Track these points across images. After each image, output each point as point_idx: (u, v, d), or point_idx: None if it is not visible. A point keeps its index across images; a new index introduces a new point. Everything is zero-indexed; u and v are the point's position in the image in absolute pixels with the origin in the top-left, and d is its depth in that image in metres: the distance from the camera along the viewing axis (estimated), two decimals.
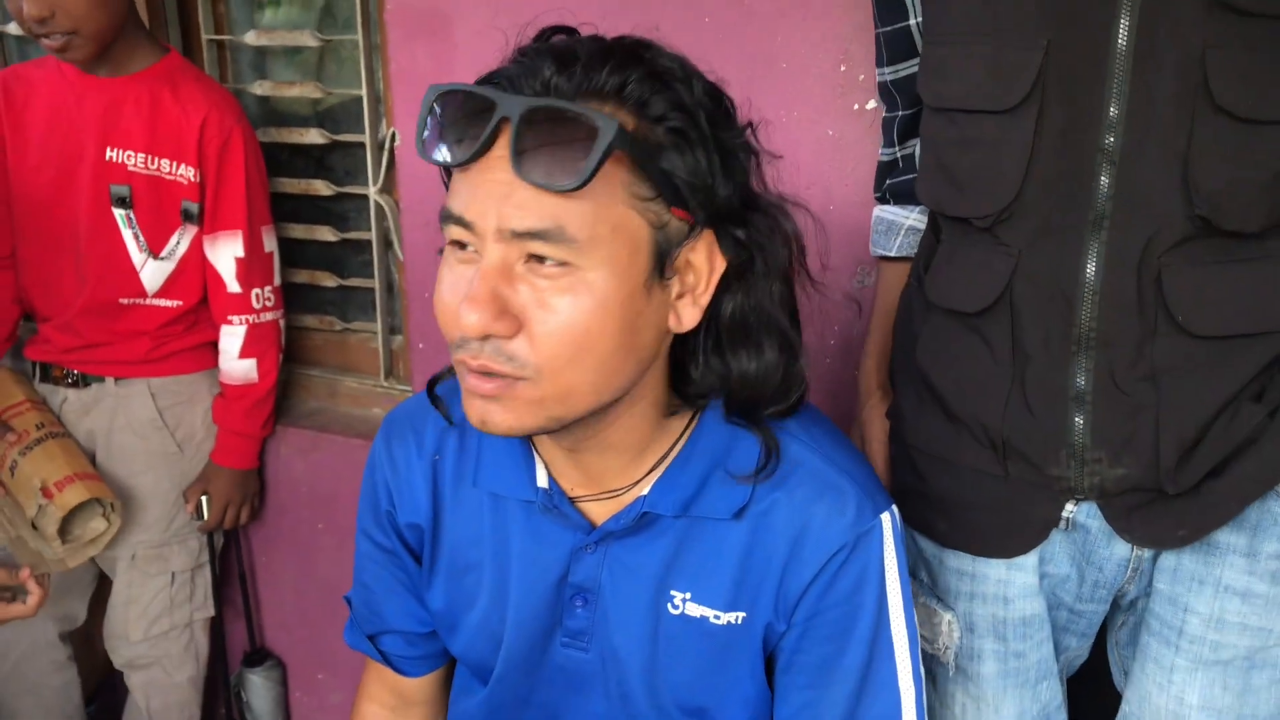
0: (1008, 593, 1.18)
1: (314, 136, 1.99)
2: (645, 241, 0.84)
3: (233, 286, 1.87)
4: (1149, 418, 1.05)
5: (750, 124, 0.90)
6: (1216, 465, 1.06)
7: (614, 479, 0.99)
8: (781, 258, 0.93)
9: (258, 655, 2.18)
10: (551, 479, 1.01)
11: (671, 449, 0.99)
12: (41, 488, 1.78)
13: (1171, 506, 1.08)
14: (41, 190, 1.82)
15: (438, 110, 0.83)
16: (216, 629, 2.09)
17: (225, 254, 1.86)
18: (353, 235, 2.04)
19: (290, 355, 2.12)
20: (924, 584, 1.27)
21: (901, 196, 1.34)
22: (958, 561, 1.21)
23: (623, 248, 0.83)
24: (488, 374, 0.84)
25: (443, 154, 0.83)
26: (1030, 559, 1.17)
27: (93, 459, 1.92)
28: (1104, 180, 1.01)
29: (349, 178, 2.05)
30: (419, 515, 1.10)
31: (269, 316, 1.92)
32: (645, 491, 0.98)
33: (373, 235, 2.00)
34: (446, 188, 0.91)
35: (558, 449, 0.98)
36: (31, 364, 1.98)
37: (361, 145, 1.97)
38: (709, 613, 0.99)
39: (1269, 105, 0.96)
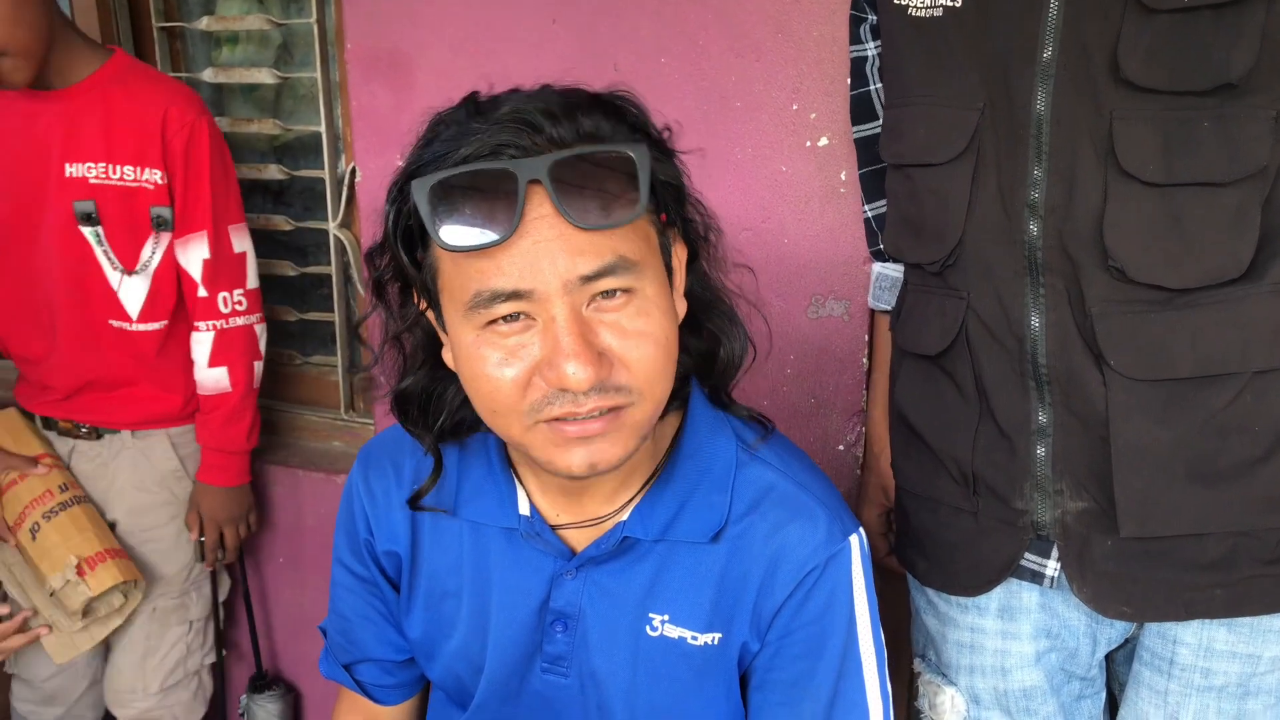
0: (1005, 663, 1.23)
1: (273, 172, 2.00)
2: (658, 247, 0.91)
3: (201, 291, 1.76)
4: (1105, 452, 1.10)
5: (668, 127, 0.97)
6: (1174, 536, 1.10)
7: (599, 506, 1.03)
8: (709, 240, 1.02)
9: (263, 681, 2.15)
10: (533, 507, 1.04)
11: (651, 477, 1.03)
12: (76, 565, 1.71)
13: (1125, 575, 1.13)
14: (6, 223, 1.75)
15: (439, 199, 0.83)
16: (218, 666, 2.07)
17: (194, 257, 1.75)
18: (312, 270, 2.05)
19: None
20: (930, 663, 1.32)
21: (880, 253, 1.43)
22: (957, 634, 1.26)
23: (655, 257, 0.90)
24: (597, 411, 0.86)
25: (473, 238, 0.83)
26: (1025, 627, 1.22)
27: (113, 518, 1.87)
28: (1033, 230, 1.10)
29: (307, 213, 2.07)
30: (397, 544, 1.12)
31: (240, 322, 1.80)
32: (625, 518, 1.02)
33: (333, 270, 2.01)
34: (418, 265, 0.90)
35: (555, 479, 1.01)
36: (29, 415, 1.90)
37: (319, 181, 1.99)
38: (687, 634, 1.03)
39: (1173, 172, 1.03)
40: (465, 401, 1.02)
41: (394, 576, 1.15)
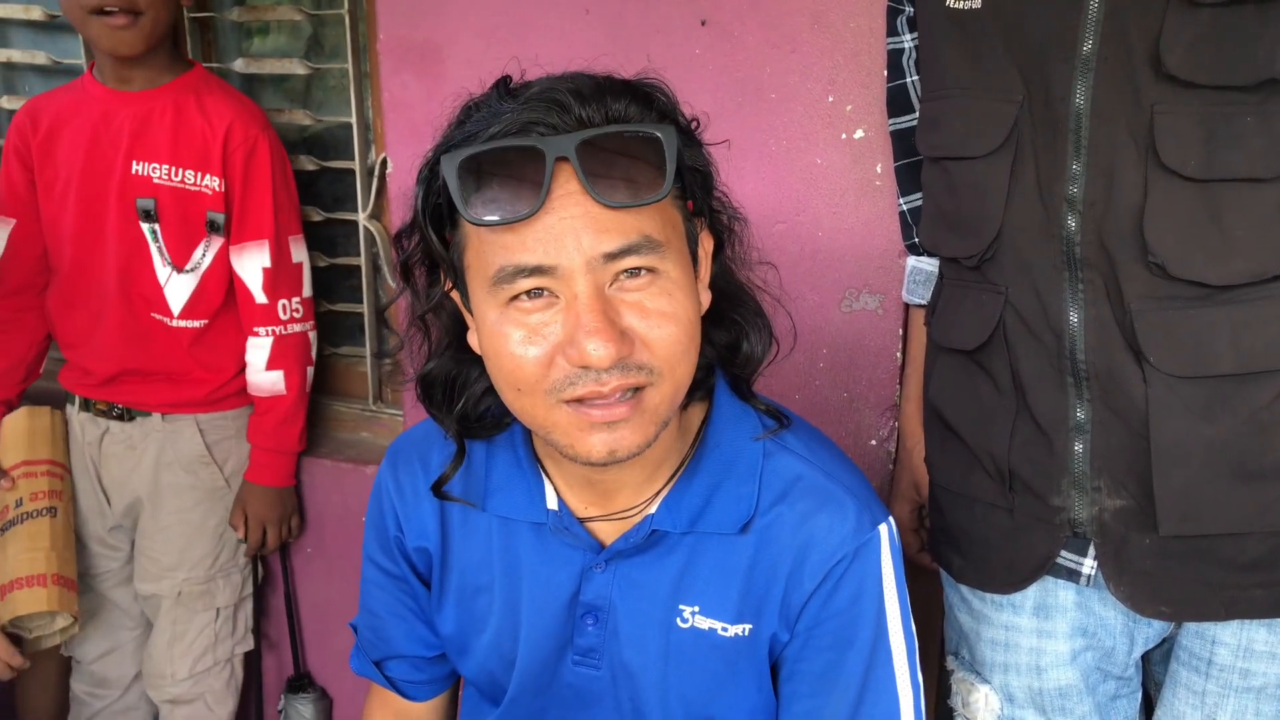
0: (1040, 662, 1.22)
1: (303, 163, 2.00)
2: (684, 233, 0.92)
3: (260, 298, 1.84)
4: (1144, 449, 1.09)
5: (695, 119, 0.97)
6: (1210, 535, 1.09)
7: (627, 499, 1.03)
8: (734, 231, 1.03)
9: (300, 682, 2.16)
10: (561, 501, 1.04)
11: (678, 469, 1.03)
12: None
13: (1163, 574, 1.11)
14: (71, 212, 1.82)
15: (468, 175, 0.84)
16: (253, 658, 2.08)
17: (252, 265, 1.83)
18: (341, 261, 2.05)
19: None
20: (964, 660, 1.32)
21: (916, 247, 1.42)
22: (992, 632, 1.26)
23: (680, 242, 0.90)
24: (620, 394, 0.87)
25: (499, 213, 0.84)
26: (1062, 626, 1.21)
27: (138, 500, 1.91)
28: (1072, 225, 1.09)
29: (337, 204, 2.07)
30: (427, 540, 1.12)
31: (297, 328, 1.88)
32: (653, 510, 1.02)
33: (362, 260, 2.01)
34: (445, 244, 0.92)
35: (581, 472, 1.01)
36: (68, 394, 1.95)
37: (349, 172, 1.99)
38: (717, 625, 1.03)
39: (1214, 167, 1.02)
40: (489, 389, 1.02)
41: (424, 573, 1.16)
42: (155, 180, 1.77)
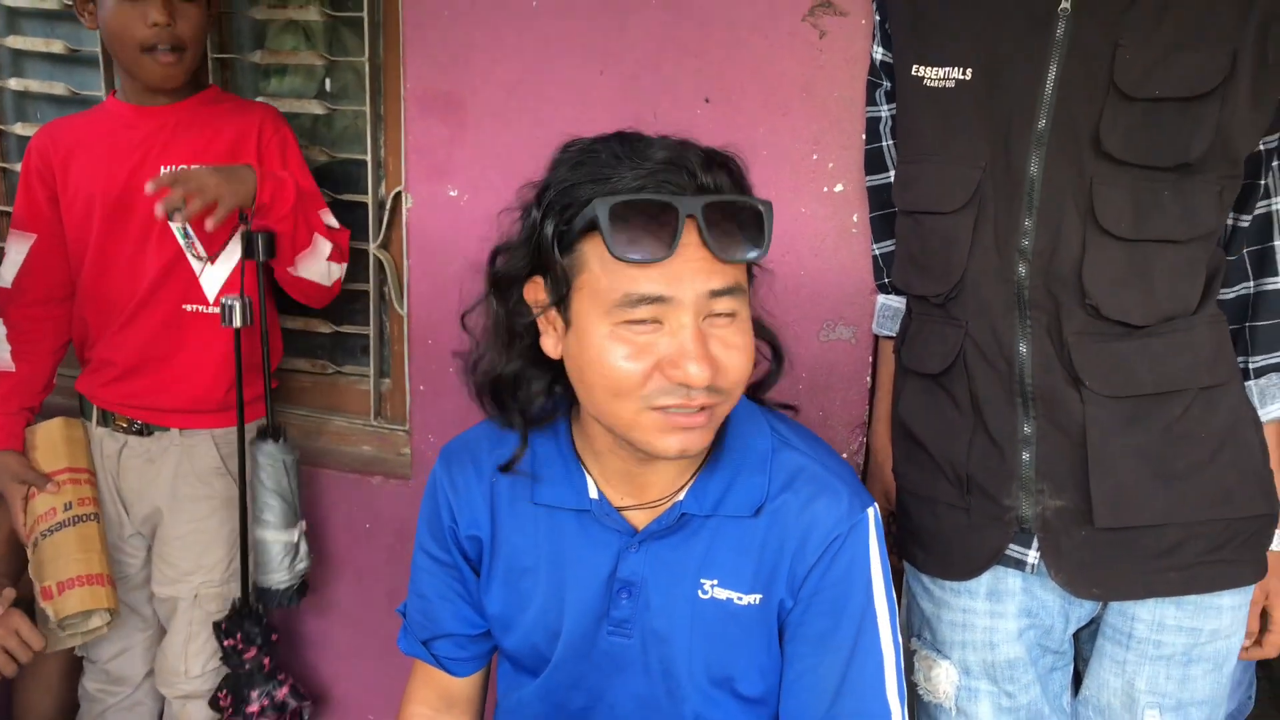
0: (993, 639, 1.42)
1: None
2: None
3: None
4: (1081, 457, 1.30)
5: None
6: (1138, 527, 1.29)
7: (659, 490, 1.21)
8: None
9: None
10: (600, 492, 1.23)
11: (702, 463, 1.22)
12: (42, 589, 1.81)
13: (1095, 562, 1.32)
14: (99, 219, 1.91)
15: (617, 217, 1.01)
16: None
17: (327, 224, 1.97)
18: (350, 286, 2.19)
19: (284, 397, 2.25)
20: (926, 640, 1.50)
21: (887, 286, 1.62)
22: (951, 615, 1.44)
23: (747, 288, 1.11)
24: (699, 409, 1.06)
25: (640, 253, 1.01)
26: (1010, 608, 1.40)
27: (157, 509, 2.00)
28: (1022, 271, 1.29)
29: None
30: (479, 528, 1.28)
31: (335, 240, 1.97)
32: (681, 498, 1.21)
33: (370, 287, 2.16)
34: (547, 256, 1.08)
35: (623, 466, 1.20)
36: (88, 405, 2.02)
37: (360, 204, 2.14)
38: (733, 595, 1.21)
39: (1141, 230, 1.24)
40: (542, 391, 1.20)
41: (474, 559, 1.31)
42: None
